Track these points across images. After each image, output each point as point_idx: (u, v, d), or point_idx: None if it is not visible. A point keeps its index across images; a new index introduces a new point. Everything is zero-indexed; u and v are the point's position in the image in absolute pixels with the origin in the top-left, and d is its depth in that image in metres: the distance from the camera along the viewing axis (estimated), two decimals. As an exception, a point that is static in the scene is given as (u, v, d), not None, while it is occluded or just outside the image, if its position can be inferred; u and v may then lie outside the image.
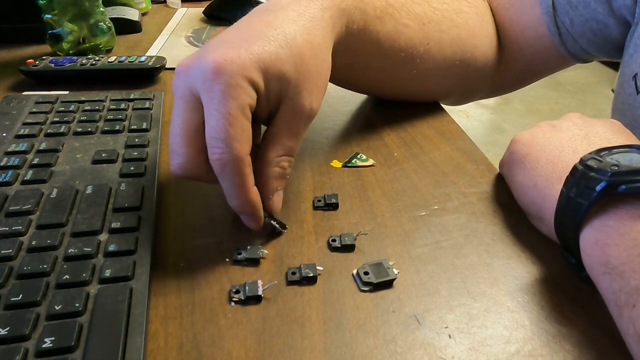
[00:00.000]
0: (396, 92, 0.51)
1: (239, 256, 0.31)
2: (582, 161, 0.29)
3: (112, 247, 0.30)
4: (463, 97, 0.56)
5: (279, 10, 0.33)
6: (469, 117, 2.58)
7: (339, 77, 0.46)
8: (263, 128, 0.34)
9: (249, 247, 0.32)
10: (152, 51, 0.67)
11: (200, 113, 0.30)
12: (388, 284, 0.30)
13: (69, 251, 0.29)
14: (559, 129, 0.36)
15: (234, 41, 0.31)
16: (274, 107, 0.32)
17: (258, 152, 0.33)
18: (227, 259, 0.31)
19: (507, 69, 0.54)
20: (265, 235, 0.33)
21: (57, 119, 0.45)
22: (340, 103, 0.53)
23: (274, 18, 0.33)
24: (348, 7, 0.37)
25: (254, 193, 0.31)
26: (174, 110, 0.31)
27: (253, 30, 0.32)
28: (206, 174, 0.31)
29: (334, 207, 0.36)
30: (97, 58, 0.56)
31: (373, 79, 0.47)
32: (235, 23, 0.34)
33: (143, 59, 0.56)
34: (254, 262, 0.31)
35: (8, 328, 0.24)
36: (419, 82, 0.48)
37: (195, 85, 0.30)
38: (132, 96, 0.49)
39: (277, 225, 0.33)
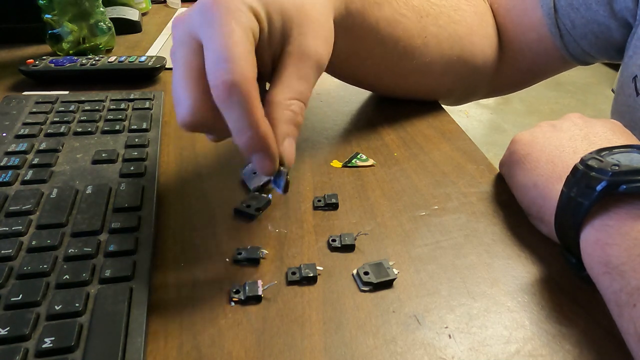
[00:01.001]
0: (395, 86, 0.51)
1: (239, 256, 0.31)
2: (582, 161, 0.29)
3: (112, 247, 0.30)
4: (463, 96, 0.56)
5: None
6: (469, 117, 2.58)
7: (340, 69, 0.46)
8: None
9: (249, 247, 0.32)
10: (152, 51, 0.67)
11: (201, 56, 0.28)
12: (388, 284, 0.30)
13: (69, 251, 0.29)
14: (559, 129, 0.36)
15: None
16: (278, 50, 0.31)
17: (265, 98, 0.30)
18: (227, 259, 0.31)
19: (508, 69, 0.54)
20: (265, 236, 0.33)
21: (57, 119, 0.45)
22: (340, 103, 0.53)
23: None
24: None
25: (266, 123, 0.27)
26: (173, 59, 0.29)
27: None
28: (214, 119, 0.28)
29: (334, 207, 0.36)
30: (97, 58, 0.56)
31: (373, 72, 0.47)
32: None
33: (143, 59, 0.56)
34: (254, 262, 0.31)
35: (8, 328, 0.24)
36: (418, 77, 0.49)
37: (194, 24, 0.28)
38: (132, 96, 0.49)
39: (284, 178, 0.29)
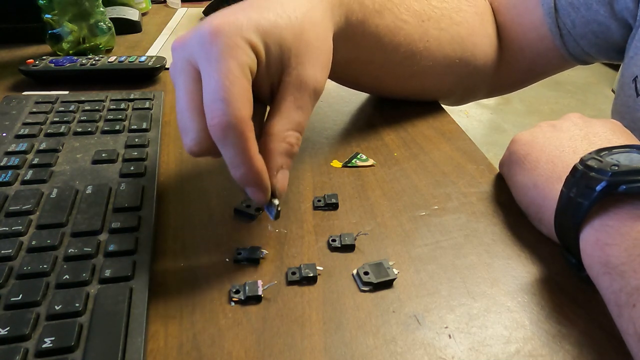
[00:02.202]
0: (397, 89, 0.51)
1: (239, 256, 0.31)
2: (582, 161, 0.29)
3: (112, 247, 0.30)
4: (463, 96, 0.56)
5: None
6: (469, 117, 2.57)
7: (340, 74, 0.46)
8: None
9: (249, 247, 0.32)
10: (152, 51, 0.67)
11: (201, 84, 0.29)
12: (388, 284, 0.30)
13: (69, 251, 0.29)
14: (559, 129, 0.36)
15: (231, 11, 0.30)
16: (276, 79, 0.31)
17: (263, 128, 0.31)
18: (227, 259, 0.31)
19: (508, 69, 0.54)
20: (265, 236, 0.33)
21: (57, 119, 0.45)
22: (340, 103, 0.53)
23: None
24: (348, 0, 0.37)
25: (259, 160, 0.29)
26: (176, 87, 0.30)
27: (251, 3, 0.31)
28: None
29: (334, 207, 0.36)
30: (97, 58, 0.56)
31: (374, 76, 0.48)
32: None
33: (143, 59, 0.56)
34: (254, 262, 0.31)
35: (8, 328, 0.24)
36: (420, 80, 0.49)
37: (193, 53, 0.29)
38: (132, 96, 0.49)
39: (275, 208, 0.31)
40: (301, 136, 0.31)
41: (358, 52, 0.42)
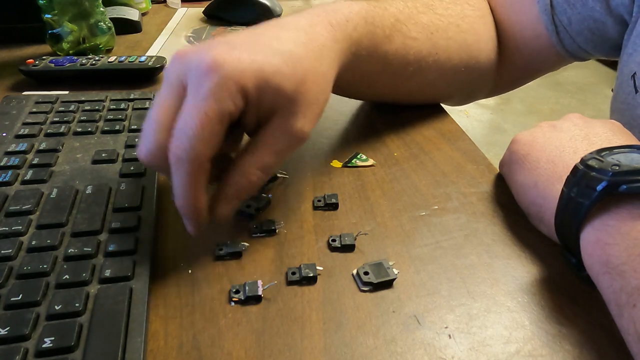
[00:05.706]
0: (400, 99, 0.51)
1: (221, 252, 0.31)
2: (583, 161, 0.29)
3: (112, 247, 0.30)
4: (464, 98, 0.56)
5: (292, 30, 0.33)
6: (469, 117, 2.57)
7: (343, 92, 0.47)
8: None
9: (228, 242, 0.32)
10: (152, 51, 0.67)
11: (181, 103, 0.29)
12: (388, 284, 0.30)
13: (69, 251, 0.29)
14: (560, 129, 0.36)
15: (240, 45, 0.30)
16: (265, 118, 0.31)
17: (235, 156, 0.32)
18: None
19: (506, 68, 0.54)
20: (265, 235, 0.33)
21: (57, 119, 0.45)
22: (340, 103, 0.53)
23: (286, 36, 0.32)
24: (359, 36, 0.38)
25: (201, 200, 0.30)
26: (158, 95, 0.30)
27: (261, 41, 0.31)
28: (168, 166, 0.29)
29: (334, 207, 0.36)
30: (97, 58, 0.56)
31: (378, 92, 0.48)
32: (247, 29, 0.33)
33: (143, 59, 0.56)
34: (236, 255, 0.31)
35: (8, 328, 0.24)
36: (424, 91, 0.49)
37: (187, 75, 0.29)
38: (132, 96, 0.49)
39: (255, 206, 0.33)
40: (266, 176, 0.32)
41: (362, 77, 0.43)
